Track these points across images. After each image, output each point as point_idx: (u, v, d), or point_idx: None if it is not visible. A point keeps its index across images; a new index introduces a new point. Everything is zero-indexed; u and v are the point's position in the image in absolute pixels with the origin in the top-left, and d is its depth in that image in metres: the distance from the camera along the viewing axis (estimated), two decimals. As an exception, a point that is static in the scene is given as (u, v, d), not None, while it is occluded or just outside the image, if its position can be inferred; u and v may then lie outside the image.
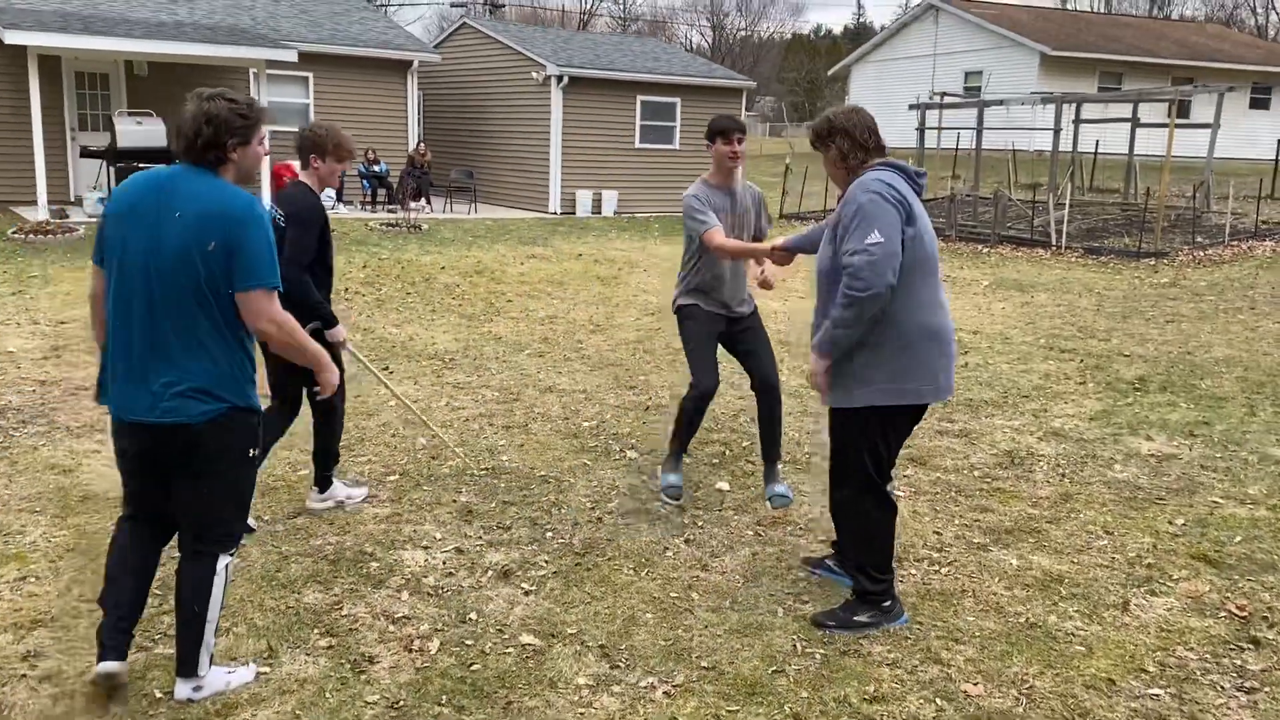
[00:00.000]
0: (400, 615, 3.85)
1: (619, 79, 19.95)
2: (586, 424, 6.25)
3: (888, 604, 3.78)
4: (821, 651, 3.61)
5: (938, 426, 6.32)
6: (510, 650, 3.60)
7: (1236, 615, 3.90)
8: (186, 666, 3.20)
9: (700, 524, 4.76)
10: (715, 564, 4.34)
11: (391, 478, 5.25)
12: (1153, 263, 14.13)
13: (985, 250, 15.74)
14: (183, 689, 3.22)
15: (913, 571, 4.27)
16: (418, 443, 5.80)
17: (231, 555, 3.23)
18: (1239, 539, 4.62)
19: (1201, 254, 14.63)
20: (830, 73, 41.54)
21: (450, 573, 4.22)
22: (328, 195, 16.78)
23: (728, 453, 5.79)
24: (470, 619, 3.83)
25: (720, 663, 3.53)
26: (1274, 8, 57.60)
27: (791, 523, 4.79)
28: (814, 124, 3.84)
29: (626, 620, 3.82)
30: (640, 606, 3.93)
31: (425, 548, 4.45)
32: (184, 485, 3.11)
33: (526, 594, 4.03)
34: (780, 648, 3.64)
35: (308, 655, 3.54)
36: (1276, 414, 6.64)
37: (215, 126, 2.96)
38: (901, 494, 5.17)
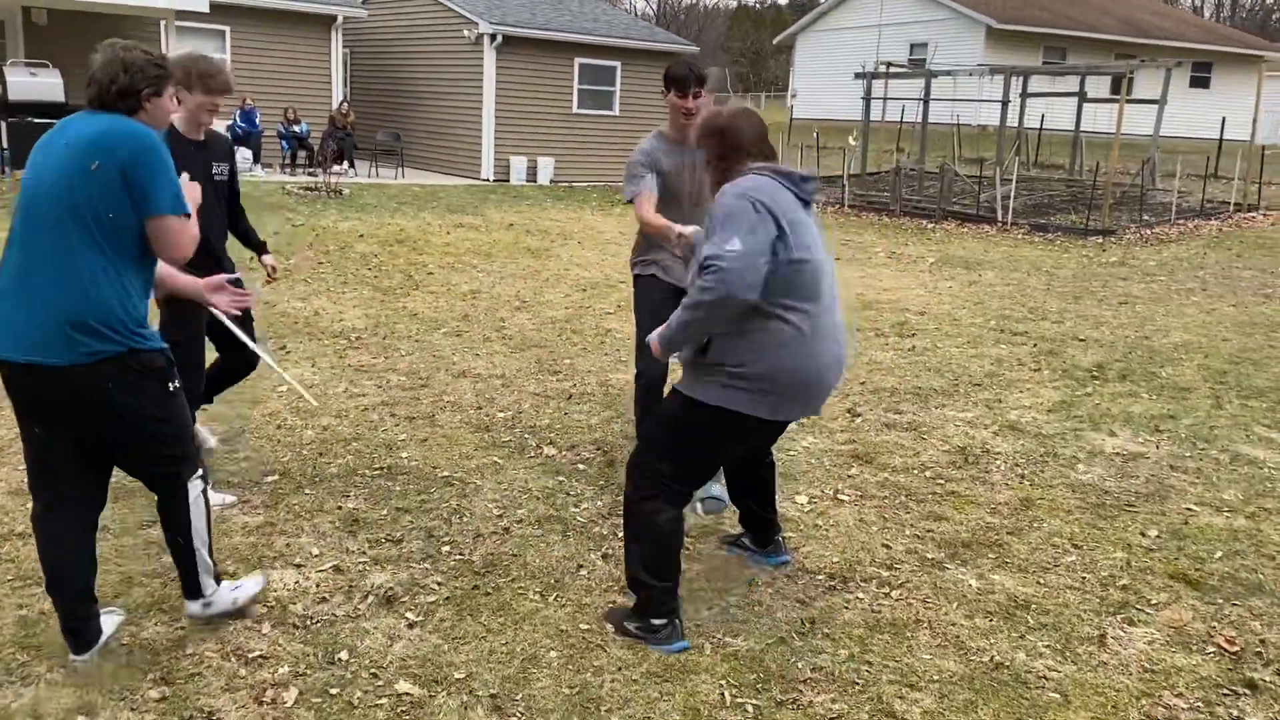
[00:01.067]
0: (256, 654, 3.21)
1: (556, 40, 19.15)
2: (501, 415, 5.62)
3: (658, 623, 3.34)
4: (754, 702, 3.05)
5: (884, 419, 5.79)
6: (383, 701, 2.99)
7: (1226, 651, 3.41)
8: (190, 591, 3.27)
9: (620, 535, 4.16)
10: (635, 586, 3.75)
11: (270, 478, 4.59)
12: (1100, 240, 13.81)
13: (930, 226, 15.33)
14: (192, 606, 3.30)
15: (860, 596, 3.72)
16: (305, 436, 5.13)
17: (199, 475, 3.16)
18: (1219, 554, 4.15)
19: (1149, 232, 14.35)
20: (775, 42, 40.95)
21: (324, 598, 3.58)
22: (244, 157, 15.88)
23: (656, 448, 5.20)
24: (340, 659, 3.20)
25: (634, 718, 2.95)
26: (1212, -12, 58.08)
27: (724, 531, 4.22)
28: (701, 121, 3.43)
29: (526, 660, 3.23)
30: (544, 642, 3.34)
31: (298, 566, 3.80)
32: (106, 437, 2.97)
33: (411, 626, 3.41)
34: (706, 696, 3.07)
35: (133, 710, 2.90)
36: (1243, 406, 6.22)
37: (131, 74, 2.90)
38: (846, 497, 4.64)
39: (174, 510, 3.13)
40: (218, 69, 4.12)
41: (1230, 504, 4.69)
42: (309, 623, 3.41)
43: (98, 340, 2.80)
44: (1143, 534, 4.34)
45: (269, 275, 4.98)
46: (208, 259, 4.07)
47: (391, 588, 3.66)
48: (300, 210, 13.29)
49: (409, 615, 3.48)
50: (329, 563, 3.83)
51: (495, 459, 4.94)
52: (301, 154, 17.55)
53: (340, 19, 18.32)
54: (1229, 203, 16.55)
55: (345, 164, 17.46)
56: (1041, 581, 3.88)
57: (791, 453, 5.22)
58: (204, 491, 3.18)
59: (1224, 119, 20.17)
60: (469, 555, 3.94)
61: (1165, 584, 3.89)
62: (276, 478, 4.59)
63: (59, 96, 13.58)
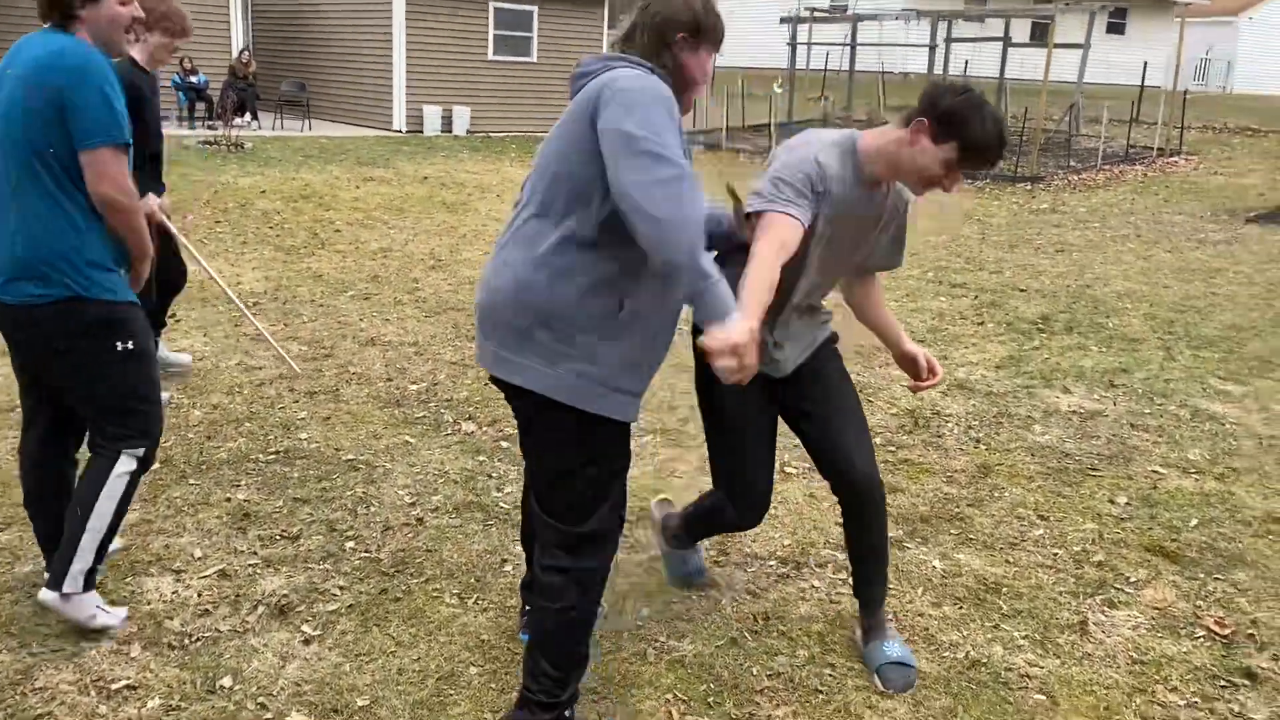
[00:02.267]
0: (121, 685, 2.72)
1: (469, -16, 18.31)
2: (414, 387, 5.12)
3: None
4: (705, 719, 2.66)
5: (828, 379, 5.43)
6: (272, 739, 2.54)
7: (1217, 635, 3.11)
8: (54, 579, 2.84)
9: (548, 521, 3.73)
10: (566, 582, 3.32)
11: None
12: (1029, 187, 13.65)
13: (858, 174, 15.03)
14: (47, 594, 2.86)
15: (815, 584, 3.35)
16: (192, 416, 4.58)
17: (136, 457, 2.86)
18: (1194, 522, 3.87)
19: (1076, 178, 14.24)
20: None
21: (206, 610, 3.10)
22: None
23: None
24: (222, 687, 2.73)
25: (568, 747, 2.54)
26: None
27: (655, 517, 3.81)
28: None
29: (442, 680, 2.79)
30: (463, 656, 2.90)
31: (178, 572, 3.30)
32: (52, 378, 2.86)
33: (307, 642, 2.95)
34: (651, 715, 2.67)
35: (-37, 767, 2.40)
36: (1195, 358, 6.00)
37: None
38: (794, 469, 4.27)
39: (91, 472, 2.86)
40: (178, 13, 4.36)
41: (1197, 465, 4.42)
42: (187, 642, 2.93)
43: (42, 284, 2.67)
44: (1111, 501, 4.04)
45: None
46: (158, 180, 4.55)
47: (286, 595, 3.19)
48: (198, 166, 12.44)
49: (305, 629, 3.01)
50: (213, 567, 3.34)
51: (407, 438, 4.46)
52: (200, 106, 16.55)
53: (238, -39, 17.26)
54: (1152, 148, 16.56)
55: (247, 116, 16.52)
56: (1010, 560, 3.55)
57: (731, 420, 4.83)
58: (131, 475, 2.87)
59: (1145, 64, 20.21)
60: (376, 552, 3.47)
61: (1142, 558, 3.59)
62: (157, 466, 4.05)
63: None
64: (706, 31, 2.43)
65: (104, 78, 2.64)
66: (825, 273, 2.75)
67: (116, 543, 3.29)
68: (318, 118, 18.40)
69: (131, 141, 2.74)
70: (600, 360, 2.30)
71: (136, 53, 4.39)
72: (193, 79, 16.37)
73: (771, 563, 3.49)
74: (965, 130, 2.47)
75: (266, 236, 8.74)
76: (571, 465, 2.38)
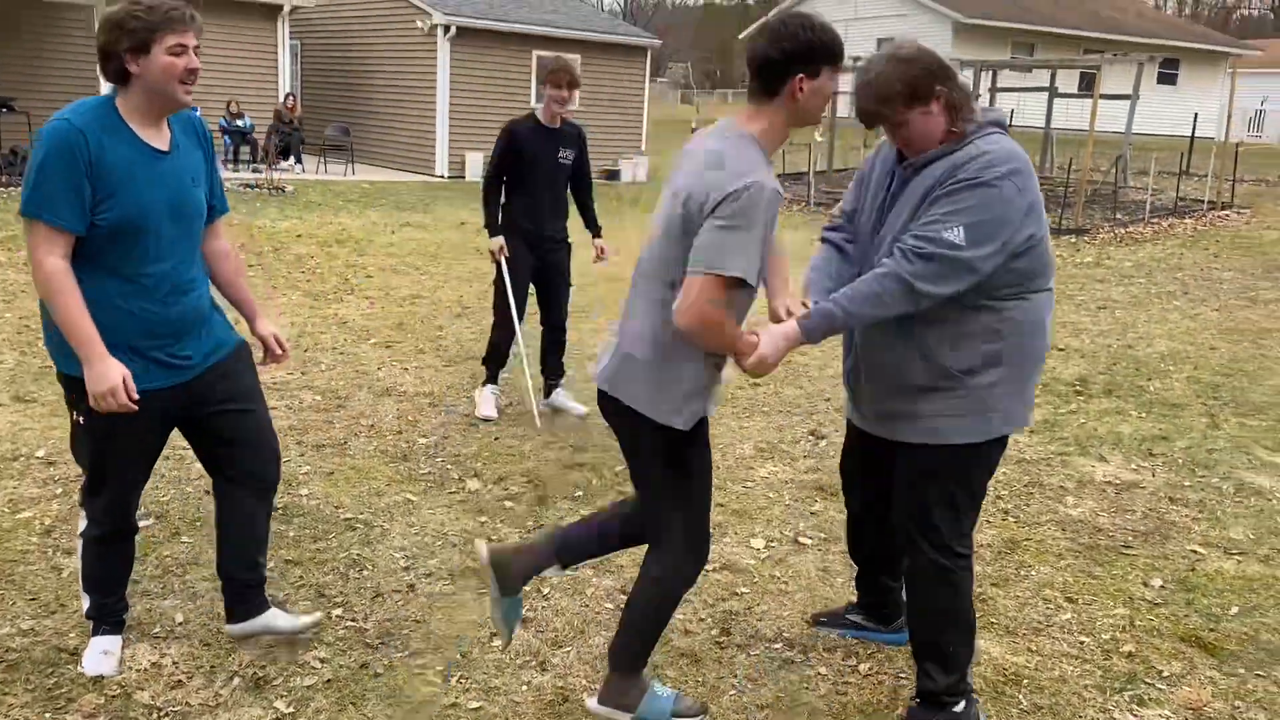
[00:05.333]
0: (80, 765, 2.59)
1: (513, 31, 18.47)
2: (423, 441, 5.00)
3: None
4: (691, 825, 2.46)
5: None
6: (227, 832, 2.39)
7: (1257, 742, 2.87)
8: None
9: (545, 591, 3.58)
10: (557, 659, 3.16)
11: (143, 523, 3.94)
12: (1074, 240, 13.36)
13: (899, 224, 14.81)
14: None
15: (823, 671, 3.15)
16: (193, 470, 4.48)
17: (84, 518, 2.95)
18: (1235, 610, 3.61)
19: (1123, 231, 13.91)
20: (741, 36, 40.41)
21: (180, 681, 2.97)
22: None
23: (595, 481, 4.61)
24: (184, 770, 2.59)
25: None
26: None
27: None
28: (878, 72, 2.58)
29: (414, 769, 2.63)
30: (439, 742, 2.74)
31: (157, 638, 3.18)
32: None
33: (278, 720, 2.80)
34: (632, 817, 2.49)
35: None
36: (1242, 426, 5.71)
37: (106, 32, 2.46)
38: (808, 540, 4.07)
39: None
40: (560, 65, 4.86)
41: (1240, 545, 4.16)
42: (155, 716, 2.80)
43: None
44: (1145, 584, 3.79)
45: (597, 255, 5.46)
46: (532, 230, 5.16)
47: (263, 667, 3.05)
48: (239, 208, 12.55)
49: (278, 705, 2.87)
50: (194, 634, 3.21)
51: (409, 495, 4.33)
52: (245, 149, 16.77)
53: (287, 8, 17.52)
54: (1203, 200, 16.18)
55: (291, 160, 16.70)
56: (1033, 648, 3.32)
57: (748, 484, 4.65)
58: (83, 535, 2.97)
59: (1195, 115, 19.84)
60: (362, 621, 3.33)
61: (1176, 649, 3.34)
62: (152, 521, 3.96)
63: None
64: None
65: (41, 151, 2.45)
66: None
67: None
68: (362, 162, 18.58)
69: (51, 218, 2.47)
70: None
71: (539, 111, 5.01)
72: (239, 122, 16.61)
73: (777, 645, 3.29)
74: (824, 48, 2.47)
75: (297, 281, 8.73)
76: None
